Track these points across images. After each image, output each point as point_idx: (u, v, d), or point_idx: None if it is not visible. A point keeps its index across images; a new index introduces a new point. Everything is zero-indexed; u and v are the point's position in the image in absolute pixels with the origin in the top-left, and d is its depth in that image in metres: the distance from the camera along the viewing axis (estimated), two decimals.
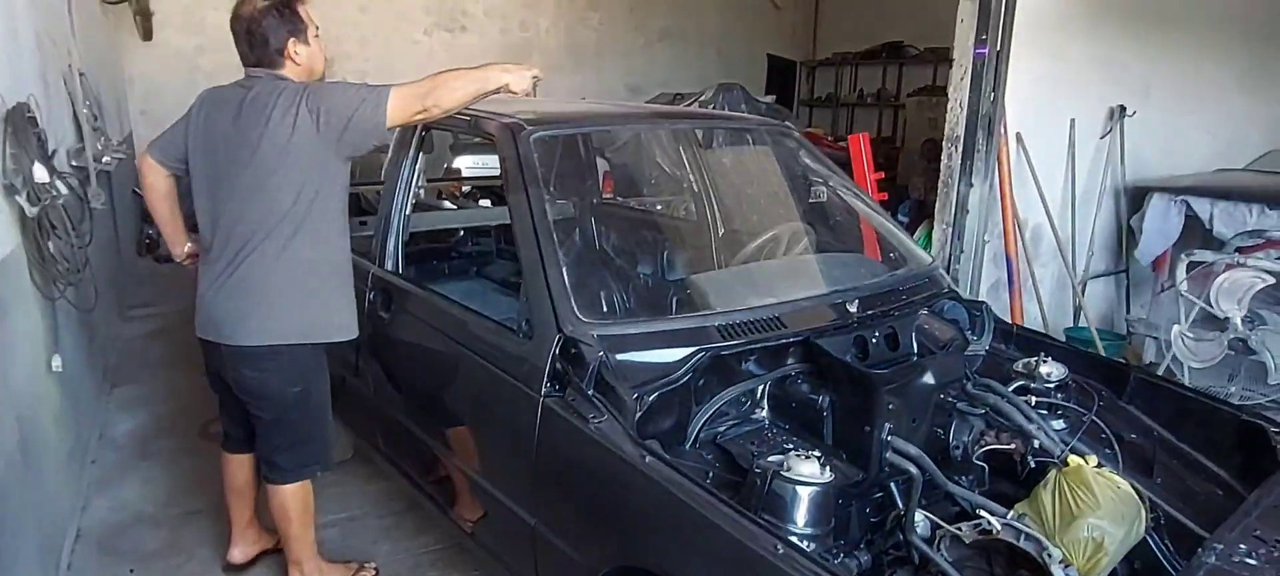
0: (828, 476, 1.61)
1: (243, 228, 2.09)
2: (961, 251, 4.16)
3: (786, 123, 7.67)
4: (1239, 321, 3.57)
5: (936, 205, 4.26)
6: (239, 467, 2.56)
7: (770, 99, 8.67)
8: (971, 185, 4.06)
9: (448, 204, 4.31)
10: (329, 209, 2.13)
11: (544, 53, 9.21)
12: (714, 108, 7.04)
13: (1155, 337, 4.09)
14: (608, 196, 4.03)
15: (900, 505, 1.95)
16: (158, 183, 2.29)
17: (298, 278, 2.12)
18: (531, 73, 2.16)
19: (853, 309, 2.13)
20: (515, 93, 2.16)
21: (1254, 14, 5.10)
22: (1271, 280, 3.55)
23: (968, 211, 4.09)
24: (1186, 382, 3.74)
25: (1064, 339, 4.47)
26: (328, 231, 2.15)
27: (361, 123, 2.03)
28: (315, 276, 2.15)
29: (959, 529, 1.85)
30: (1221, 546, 1.57)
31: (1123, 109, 4.64)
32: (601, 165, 4.22)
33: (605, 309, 2.16)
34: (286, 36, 2.10)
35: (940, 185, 4.20)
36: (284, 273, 2.10)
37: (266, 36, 2.08)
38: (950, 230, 4.16)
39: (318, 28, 2.19)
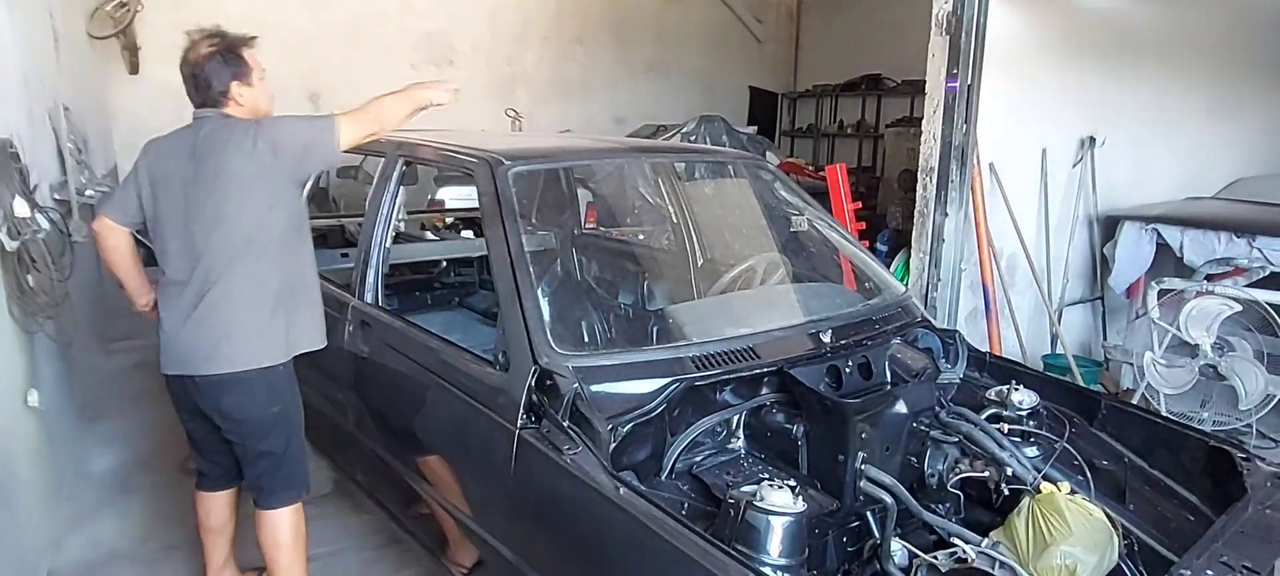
0: (801, 506, 1.62)
1: (208, 259, 2.16)
2: (939, 280, 4.22)
3: (768, 153, 7.80)
4: (1208, 348, 3.63)
5: (913, 234, 4.32)
6: (215, 506, 2.53)
7: (752, 130, 8.79)
8: (947, 215, 4.12)
9: (430, 235, 4.33)
10: (290, 232, 2.25)
11: (530, 86, 9.30)
12: (695, 139, 7.13)
13: (1131, 364, 4.14)
14: (590, 226, 4.07)
15: (877, 534, 1.97)
16: (119, 241, 2.34)
17: (265, 301, 2.20)
18: (452, 86, 2.36)
19: (826, 338, 2.16)
20: (442, 104, 2.34)
21: (1219, 46, 5.25)
22: (1238, 307, 3.62)
23: (944, 241, 4.15)
24: (1162, 409, 3.79)
25: (1042, 366, 4.52)
26: (291, 254, 2.25)
27: (316, 150, 2.20)
28: (281, 298, 2.23)
29: (935, 557, 1.87)
30: (1188, 572, 1.60)
31: (1092, 139, 4.74)
32: (585, 196, 4.27)
33: (581, 340, 2.19)
34: (229, 79, 2.22)
35: (916, 215, 4.26)
36: (251, 297, 2.18)
37: (209, 80, 2.20)
38: (927, 259, 4.22)
39: (264, 71, 2.30)
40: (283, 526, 2.37)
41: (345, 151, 2.25)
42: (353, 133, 2.22)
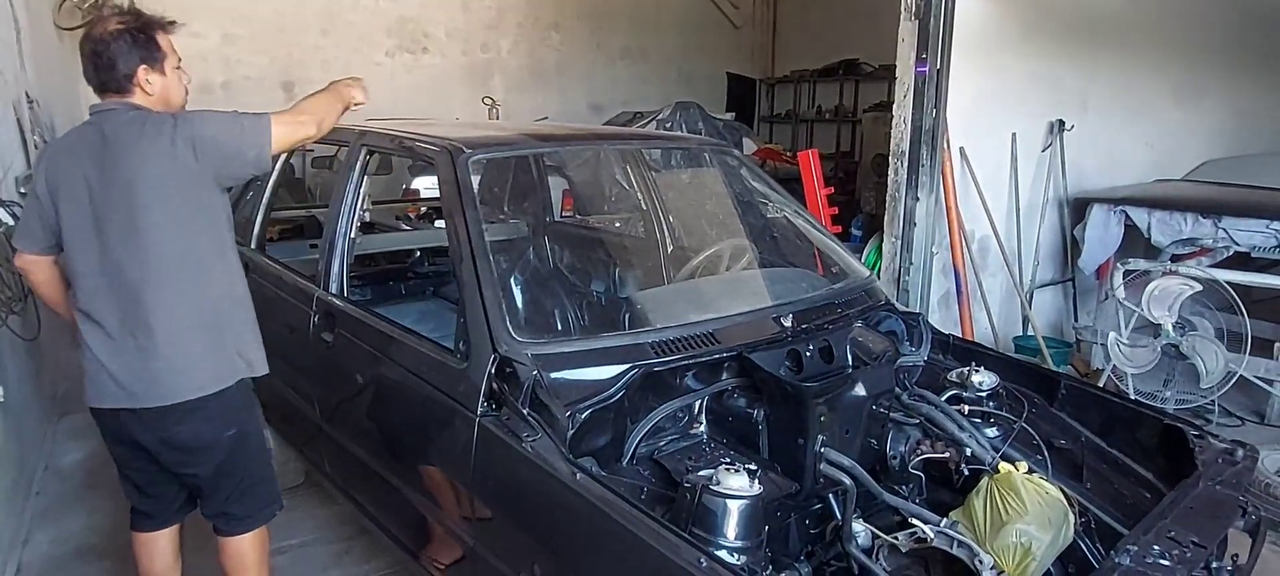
0: (757, 489, 1.63)
1: (133, 278, 1.89)
2: (911, 263, 4.25)
3: (744, 139, 7.77)
4: (1170, 327, 3.69)
5: (885, 219, 4.35)
6: (159, 549, 2.23)
7: (729, 116, 8.78)
8: (918, 199, 4.15)
9: (404, 226, 4.30)
10: (219, 242, 2.00)
11: (506, 73, 9.24)
12: (671, 126, 7.12)
13: (1101, 344, 4.20)
14: (567, 214, 4.06)
15: (839, 516, 1.99)
16: (48, 275, 2.07)
17: (206, 320, 1.96)
18: (359, 80, 2.24)
19: (788, 323, 2.17)
20: (361, 103, 2.21)
21: (1186, 30, 5.30)
22: (1199, 287, 3.68)
23: (915, 224, 4.18)
24: (1130, 389, 3.85)
25: (1013, 348, 4.58)
26: (223, 265, 2.01)
27: (244, 152, 1.93)
28: (222, 314, 2.00)
29: (896, 538, 1.90)
30: (1136, 547, 1.62)
31: (1061, 123, 4.79)
32: (560, 184, 4.25)
33: (541, 328, 2.18)
34: (137, 63, 1.92)
35: (888, 199, 4.29)
36: (190, 318, 1.94)
37: (114, 60, 1.90)
38: (899, 243, 4.25)
39: (180, 59, 2.04)
40: (248, 553, 2.17)
41: (275, 154, 2.00)
42: (288, 134, 1.99)
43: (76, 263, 1.94)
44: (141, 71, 1.92)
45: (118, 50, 1.90)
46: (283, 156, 2.99)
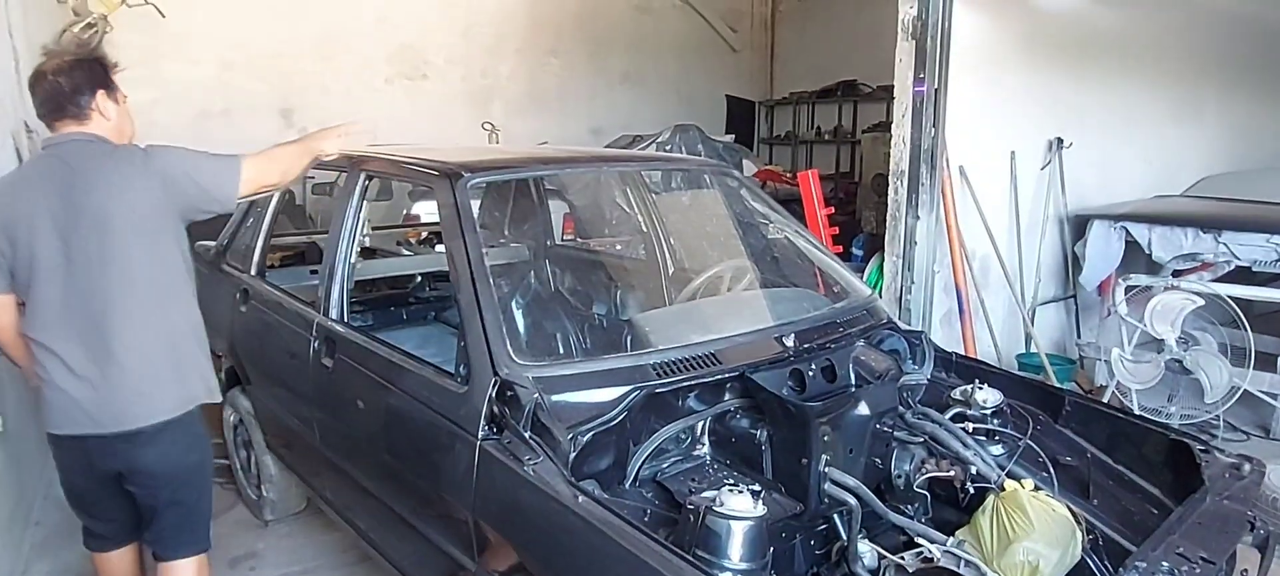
0: (761, 510, 1.62)
1: (98, 307, 1.92)
2: (912, 283, 4.24)
3: (744, 161, 7.79)
4: (1173, 342, 3.68)
5: (886, 238, 4.35)
6: (119, 568, 2.27)
7: (729, 138, 8.82)
8: (918, 217, 4.15)
9: (405, 251, 4.31)
10: (181, 270, 2.06)
11: (506, 99, 9.29)
12: (671, 149, 7.16)
13: (1104, 361, 4.19)
14: (568, 237, 4.06)
15: (844, 536, 1.98)
16: (10, 318, 2.04)
17: (173, 344, 2.02)
18: (356, 127, 2.26)
19: (790, 342, 2.17)
20: (331, 155, 2.28)
21: (1184, 47, 5.34)
22: (1201, 302, 3.67)
23: (916, 244, 4.18)
24: (1134, 405, 3.83)
25: (1016, 366, 4.56)
26: (184, 293, 2.07)
27: (213, 192, 2.01)
28: (187, 339, 2.07)
29: (902, 558, 1.88)
30: (1144, 564, 1.61)
31: (1060, 141, 4.80)
32: (561, 208, 4.26)
33: (542, 350, 2.18)
34: (98, 87, 2.00)
35: (889, 219, 4.29)
36: (156, 344, 1.99)
37: (79, 85, 1.97)
38: (900, 262, 4.25)
39: (126, 96, 2.11)
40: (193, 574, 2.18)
41: (242, 198, 2.08)
42: (255, 179, 2.06)
43: (38, 293, 1.95)
44: (101, 97, 2.00)
45: (80, 77, 1.97)
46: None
